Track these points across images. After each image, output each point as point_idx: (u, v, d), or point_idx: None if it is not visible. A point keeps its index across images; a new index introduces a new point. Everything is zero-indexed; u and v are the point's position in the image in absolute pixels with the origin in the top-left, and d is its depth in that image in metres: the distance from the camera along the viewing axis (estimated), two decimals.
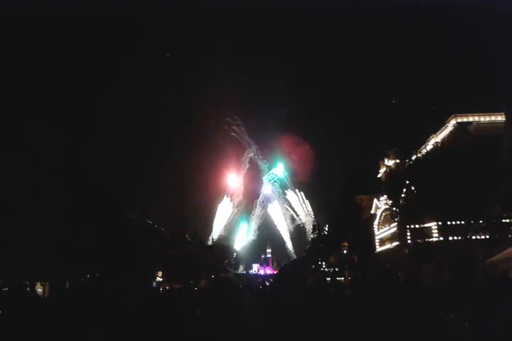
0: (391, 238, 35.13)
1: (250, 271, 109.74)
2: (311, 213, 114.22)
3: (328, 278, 46.60)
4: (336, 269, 55.14)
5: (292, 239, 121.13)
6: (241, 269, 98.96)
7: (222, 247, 79.32)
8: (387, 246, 36.10)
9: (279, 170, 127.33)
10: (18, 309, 7.64)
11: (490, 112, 29.47)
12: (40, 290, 28.94)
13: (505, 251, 20.59)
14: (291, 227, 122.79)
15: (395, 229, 33.02)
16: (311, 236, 71.04)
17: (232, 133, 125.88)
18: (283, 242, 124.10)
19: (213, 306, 5.65)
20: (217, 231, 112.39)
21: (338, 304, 7.17)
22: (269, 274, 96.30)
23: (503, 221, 23.09)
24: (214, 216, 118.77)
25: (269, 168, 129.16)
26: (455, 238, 25.87)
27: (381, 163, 40.20)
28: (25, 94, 29.87)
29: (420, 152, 29.31)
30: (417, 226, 28.86)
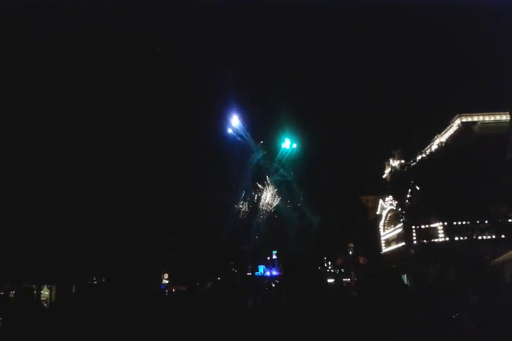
0: (397, 238, 35.07)
1: (256, 273, 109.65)
2: (316, 213, 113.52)
3: (332, 280, 46.43)
4: (342, 270, 55.01)
5: (299, 238, 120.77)
6: (248, 271, 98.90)
7: (230, 248, 79.28)
8: (393, 246, 36.04)
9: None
10: (24, 313, 7.68)
11: (494, 112, 29.38)
12: (46, 293, 29.07)
13: None
14: (298, 225, 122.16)
15: (400, 230, 32.96)
16: (317, 237, 70.91)
17: (235, 134, 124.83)
18: (289, 243, 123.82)
19: (216, 308, 5.68)
20: (225, 232, 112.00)
21: (341, 306, 7.18)
22: (275, 276, 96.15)
23: (509, 220, 23.00)
24: (222, 217, 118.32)
25: (276, 170, 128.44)
26: (461, 238, 25.81)
27: (386, 163, 40.16)
28: (29, 96, 29.96)
29: (425, 152, 29.28)
30: (422, 226, 28.81)
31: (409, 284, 30.82)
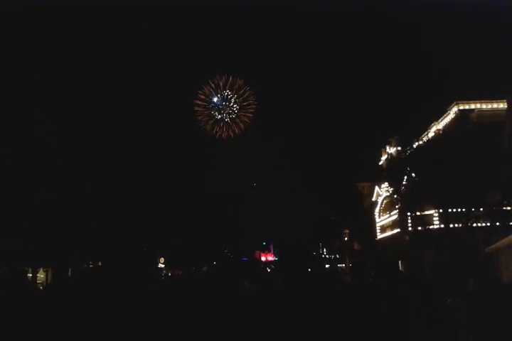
0: (392, 225, 35.19)
1: (252, 258, 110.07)
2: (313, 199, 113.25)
3: (327, 266, 46.83)
4: (337, 256, 55.42)
5: (295, 224, 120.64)
6: (244, 255, 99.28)
7: (226, 234, 79.34)
8: (388, 233, 36.19)
9: None
10: (15, 294, 7.74)
11: (492, 99, 29.32)
12: (42, 276, 29.24)
13: (506, 239, 20.70)
14: (295, 211, 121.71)
15: (395, 217, 33.08)
16: (313, 223, 71.16)
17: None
18: (285, 228, 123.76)
19: (213, 291, 5.73)
20: (223, 216, 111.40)
21: (337, 291, 7.26)
22: (270, 261, 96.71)
23: (504, 208, 23.10)
24: (220, 203, 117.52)
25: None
26: (456, 225, 25.92)
27: (383, 150, 40.16)
28: (30, 86, 29.87)
29: (422, 139, 29.28)
30: (418, 213, 28.90)
31: (403, 270, 31.05)
